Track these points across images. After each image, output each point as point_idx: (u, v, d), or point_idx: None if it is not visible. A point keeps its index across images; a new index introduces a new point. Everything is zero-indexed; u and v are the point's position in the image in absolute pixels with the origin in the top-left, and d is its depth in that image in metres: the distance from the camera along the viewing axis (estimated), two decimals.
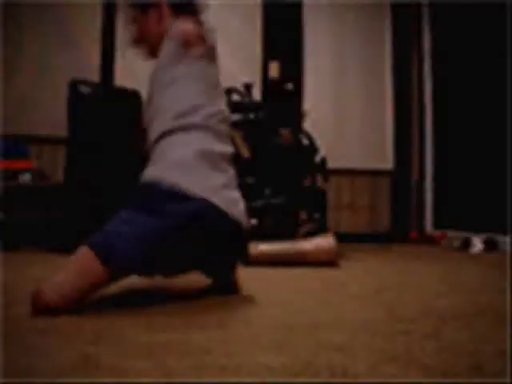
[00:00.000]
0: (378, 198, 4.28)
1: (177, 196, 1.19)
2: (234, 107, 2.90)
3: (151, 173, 1.29)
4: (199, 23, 1.40)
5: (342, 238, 2.75)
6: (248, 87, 3.24)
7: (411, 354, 0.84)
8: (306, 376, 0.72)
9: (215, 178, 1.26)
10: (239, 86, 3.26)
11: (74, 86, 2.79)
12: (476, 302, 1.33)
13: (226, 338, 0.93)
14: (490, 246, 3.23)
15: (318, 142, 3.03)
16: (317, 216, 2.92)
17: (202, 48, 1.33)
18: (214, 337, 0.94)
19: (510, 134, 3.23)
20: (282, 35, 4.09)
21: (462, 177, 3.88)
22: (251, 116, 2.83)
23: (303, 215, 2.95)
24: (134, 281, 1.32)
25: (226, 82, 3.04)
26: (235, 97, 3.17)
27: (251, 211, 2.61)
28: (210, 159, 1.26)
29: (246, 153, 2.72)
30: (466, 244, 3.33)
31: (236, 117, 2.82)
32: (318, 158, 2.99)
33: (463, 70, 3.93)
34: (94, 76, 3.54)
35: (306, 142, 2.99)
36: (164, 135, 1.28)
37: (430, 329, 1.02)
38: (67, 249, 2.58)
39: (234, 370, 0.74)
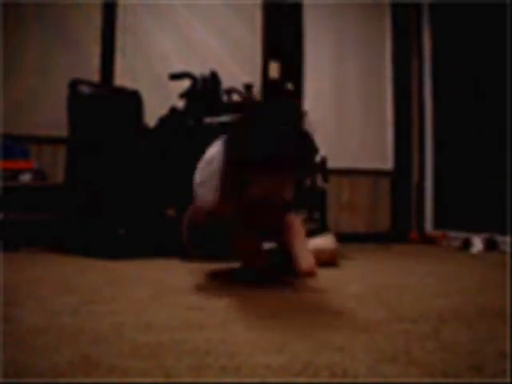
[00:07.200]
0: (378, 198, 4.28)
1: None
2: (234, 107, 2.90)
3: None
4: None
5: (341, 237, 2.75)
6: (248, 87, 3.24)
7: (411, 354, 0.84)
8: (306, 376, 0.72)
9: None
10: (239, 86, 3.26)
11: (73, 85, 2.79)
12: (476, 302, 1.33)
13: (226, 338, 0.93)
14: (490, 245, 3.22)
15: (318, 142, 3.03)
16: (317, 216, 2.92)
17: None
18: (213, 337, 0.94)
19: (510, 133, 3.23)
20: (282, 35, 4.09)
21: (462, 177, 3.88)
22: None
23: (303, 215, 2.95)
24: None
25: (226, 82, 3.06)
26: (235, 97, 3.17)
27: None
28: None
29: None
30: (466, 244, 3.33)
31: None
32: (318, 158, 2.98)
33: (463, 69, 3.92)
34: (94, 76, 3.54)
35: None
36: None
37: (430, 329, 1.02)
38: (67, 249, 2.59)
39: (233, 370, 0.74)
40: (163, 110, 2.94)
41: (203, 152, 1.79)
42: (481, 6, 3.60)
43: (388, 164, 4.33)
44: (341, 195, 4.17)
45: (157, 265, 2.21)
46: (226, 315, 1.14)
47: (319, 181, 3.03)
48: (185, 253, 2.41)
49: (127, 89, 3.09)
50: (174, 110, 2.90)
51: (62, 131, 2.94)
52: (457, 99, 4.00)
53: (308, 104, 4.04)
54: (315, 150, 1.46)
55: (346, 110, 4.24)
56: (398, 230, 4.25)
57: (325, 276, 1.91)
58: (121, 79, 3.61)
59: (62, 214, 2.80)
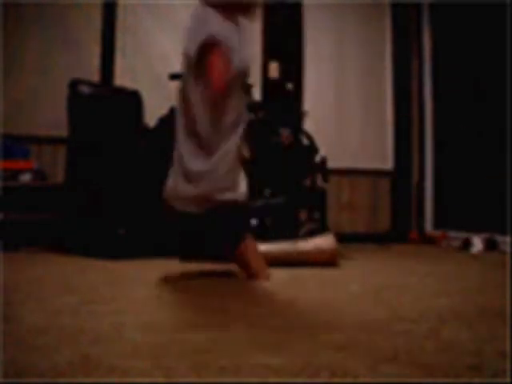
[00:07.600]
0: (378, 198, 4.28)
1: None
2: None
3: None
4: None
5: (342, 238, 2.74)
6: (248, 87, 3.24)
7: (411, 353, 0.84)
8: (305, 376, 0.72)
9: None
10: None
11: (73, 85, 2.79)
12: (476, 302, 1.33)
13: (226, 338, 0.93)
14: (490, 245, 3.22)
15: (318, 142, 3.03)
16: (317, 216, 2.92)
17: None
18: (213, 337, 0.94)
19: (511, 133, 3.23)
20: (282, 36, 4.08)
21: (462, 177, 3.88)
22: (251, 116, 2.83)
23: (303, 215, 2.95)
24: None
25: None
26: None
27: (251, 211, 2.62)
28: None
29: (246, 153, 2.72)
30: (466, 244, 3.33)
31: None
32: (317, 158, 2.99)
33: (463, 69, 3.92)
34: (94, 76, 3.54)
35: (305, 141, 2.98)
36: None
37: (430, 329, 1.02)
38: (67, 249, 2.59)
39: (233, 370, 0.74)
40: (163, 110, 2.94)
41: None
42: (481, 6, 3.60)
43: (388, 164, 4.33)
44: (341, 195, 4.17)
45: (157, 265, 2.21)
46: (226, 315, 1.14)
47: (319, 181, 3.04)
48: (184, 253, 2.41)
49: (127, 89, 3.09)
50: (174, 110, 2.90)
51: (62, 131, 2.94)
52: (457, 99, 4.00)
53: (308, 104, 4.05)
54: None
55: (346, 110, 4.24)
56: (398, 230, 4.25)
57: (325, 276, 1.91)
58: (121, 79, 3.61)
59: (62, 214, 2.80)
